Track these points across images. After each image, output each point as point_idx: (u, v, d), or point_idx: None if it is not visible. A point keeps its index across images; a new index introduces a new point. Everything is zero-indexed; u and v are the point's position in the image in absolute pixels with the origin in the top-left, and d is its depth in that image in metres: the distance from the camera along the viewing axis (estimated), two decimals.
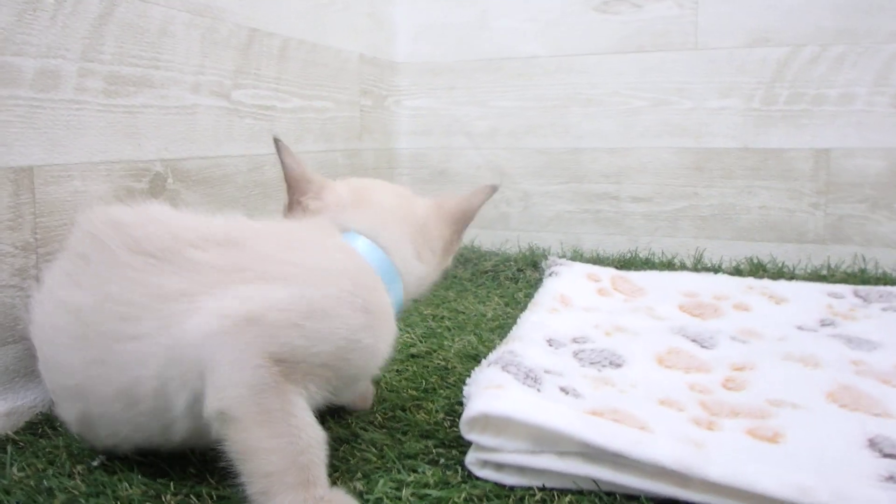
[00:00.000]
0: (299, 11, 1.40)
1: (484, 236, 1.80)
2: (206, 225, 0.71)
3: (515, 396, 0.73)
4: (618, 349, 0.99)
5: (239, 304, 0.62)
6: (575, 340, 1.04)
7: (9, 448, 0.76)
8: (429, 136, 1.84)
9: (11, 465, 0.73)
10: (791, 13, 1.51)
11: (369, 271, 0.74)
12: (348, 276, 0.69)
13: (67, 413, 0.72)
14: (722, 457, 0.66)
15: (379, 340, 0.70)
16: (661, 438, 0.69)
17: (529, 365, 0.84)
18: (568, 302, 1.24)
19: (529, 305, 1.20)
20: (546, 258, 1.46)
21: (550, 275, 1.35)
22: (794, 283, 1.30)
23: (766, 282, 1.31)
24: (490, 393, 0.74)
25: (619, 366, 0.95)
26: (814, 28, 1.50)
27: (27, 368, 0.87)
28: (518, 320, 1.12)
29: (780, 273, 1.49)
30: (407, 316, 1.31)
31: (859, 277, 1.44)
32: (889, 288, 1.25)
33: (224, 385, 0.60)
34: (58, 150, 0.89)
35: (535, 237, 1.74)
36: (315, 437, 0.63)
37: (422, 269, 0.83)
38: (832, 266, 1.50)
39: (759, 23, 1.54)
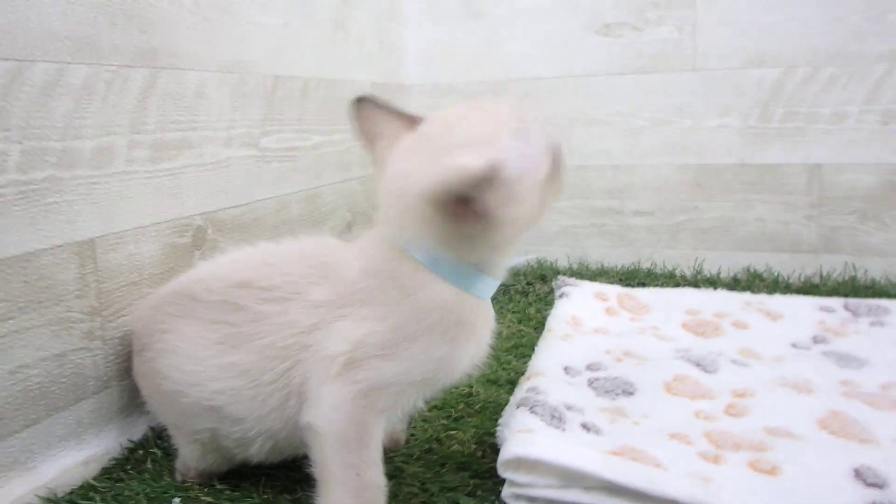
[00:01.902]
0: (318, 50, 1.47)
1: None
2: (309, 257, 0.82)
3: (544, 441, 0.83)
4: (629, 377, 1.08)
5: (340, 345, 0.74)
6: (589, 367, 1.13)
7: (96, 497, 0.85)
8: None
9: None
10: (785, 36, 1.58)
11: (436, 292, 0.74)
12: (415, 306, 0.74)
13: (257, 452, 0.83)
14: (728, 491, 0.76)
15: (459, 349, 0.75)
16: (674, 476, 0.78)
17: (553, 403, 0.93)
18: (579, 324, 1.33)
19: (544, 333, 1.28)
20: (556, 277, 1.55)
21: (560, 296, 1.44)
22: (788, 298, 1.39)
23: (762, 297, 1.40)
24: (522, 437, 0.83)
25: (630, 394, 1.04)
26: (807, 50, 1.58)
27: (98, 420, 0.96)
28: (535, 349, 1.21)
29: (775, 282, 1.58)
30: None
31: (850, 285, 1.54)
32: (877, 301, 1.34)
33: (319, 406, 0.73)
34: (113, 220, 0.97)
35: (542, 251, 1.83)
36: (377, 480, 0.74)
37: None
38: (824, 275, 1.59)
39: (754, 45, 1.61)
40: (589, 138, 1.76)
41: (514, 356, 1.30)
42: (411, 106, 1.93)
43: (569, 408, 0.95)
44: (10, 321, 0.83)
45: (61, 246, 0.89)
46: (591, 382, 1.07)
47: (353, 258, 0.79)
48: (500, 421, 0.95)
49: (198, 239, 1.12)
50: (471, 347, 0.77)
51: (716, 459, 0.85)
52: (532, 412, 0.90)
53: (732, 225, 1.69)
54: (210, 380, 0.81)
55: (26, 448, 0.86)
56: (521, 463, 0.82)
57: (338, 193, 1.57)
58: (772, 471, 0.81)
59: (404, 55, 1.90)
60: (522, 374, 1.16)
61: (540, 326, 1.39)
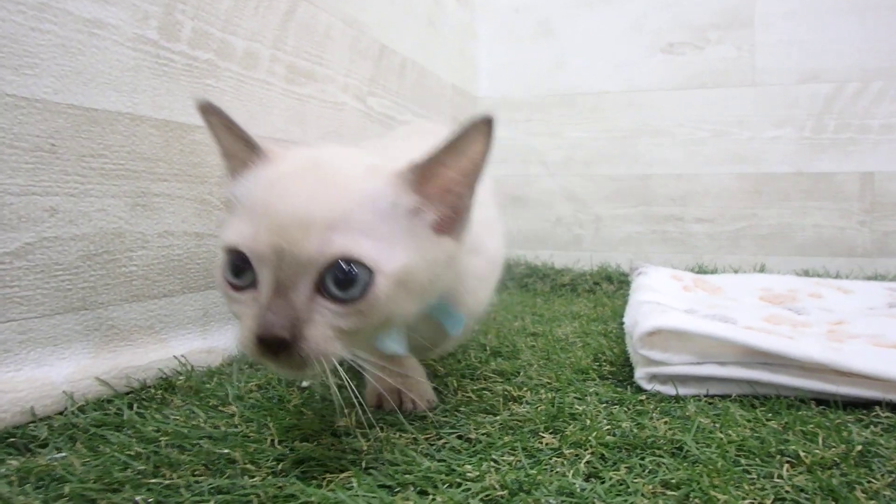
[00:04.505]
0: (415, 36, 1.59)
1: (557, 256, 1.93)
2: None
3: (680, 317, 0.85)
4: (727, 313, 1.10)
5: None
6: (686, 312, 1.15)
7: (230, 377, 0.85)
8: (506, 164, 2.00)
9: (237, 383, 0.83)
10: (837, 54, 1.71)
11: None
12: None
13: None
14: (859, 355, 0.78)
15: None
16: (807, 343, 0.80)
17: (676, 306, 0.95)
18: (659, 292, 1.35)
19: (630, 295, 1.30)
20: (631, 269, 1.59)
21: (639, 274, 1.47)
22: (854, 281, 1.43)
23: (830, 280, 1.43)
24: (660, 314, 0.86)
25: (734, 323, 1.05)
26: (856, 67, 1.70)
27: (222, 316, 0.98)
28: (628, 302, 1.22)
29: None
30: (505, 313, 1.41)
31: None
32: None
33: None
34: (256, 123, 1.02)
35: (606, 256, 1.87)
36: None
37: None
38: (880, 276, 1.63)
39: (808, 63, 1.73)
40: (652, 148, 1.85)
41: (598, 322, 1.31)
42: None
43: (689, 312, 0.97)
44: (165, 183, 0.86)
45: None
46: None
47: None
48: (626, 311, 0.97)
49: None
50: None
51: (840, 340, 0.87)
52: (658, 305, 0.92)
53: (790, 231, 1.75)
54: None
55: (160, 317, 0.87)
56: (654, 342, 0.84)
57: None
58: (894, 346, 0.83)
59: (477, 68, 2.02)
60: (606, 334, 1.18)
61: (614, 311, 1.42)
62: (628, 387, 0.86)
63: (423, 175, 0.58)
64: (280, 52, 1.08)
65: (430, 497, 0.52)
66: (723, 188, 1.80)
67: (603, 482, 0.55)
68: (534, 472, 0.57)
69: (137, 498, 0.52)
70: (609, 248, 1.88)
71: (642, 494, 0.53)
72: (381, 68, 1.41)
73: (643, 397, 0.81)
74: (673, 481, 0.55)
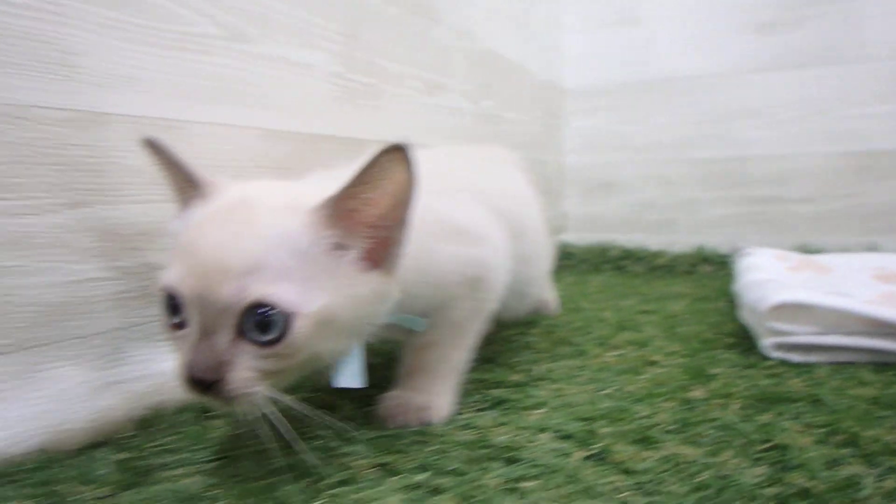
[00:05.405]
0: (513, 37, 1.70)
1: (651, 239, 1.99)
2: None
3: (807, 292, 0.94)
4: (841, 289, 1.16)
5: None
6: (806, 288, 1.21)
7: None
8: (594, 151, 2.06)
9: None
10: None
11: None
12: None
13: None
14: None
15: None
16: None
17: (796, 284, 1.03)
18: (773, 271, 1.41)
19: (741, 275, 1.36)
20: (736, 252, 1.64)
21: (745, 255, 1.52)
22: None
23: None
24: (784, 289, 0.94)
25: (850, 297, 1.12)
26: None
27: None
28: (739, 282, 1.29)
29: None
30: (611, 293, 1.51)
31: None
32: None
33: None
34: (403, 132, 1.17)
35: (700, 239, 1.91)
36: None
37: None
38: None
39: None
40: (748, 129, 1.88)
41: (707, 301, 1.38)
42: (570, 107, 2.12)
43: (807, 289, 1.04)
44: None
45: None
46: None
47: None
48: (744, 292, 1.05)
49: None
50: None
51: None
52: (780, 282, 1.01)
53: None
54: None
55: None
56: (780, 314, 0.93)
57: None
58: None
59: (563, 58, 2.07)
60: (717, 311, 1.26)
61: (717, 291, 1.48)
62: (754, 355, 0.94)
63: (339, 210, 0.57)
64: (418, 70, 1.22)
65: (618, 427, 0.64)
66: (825, 167, 1.81)
67: (754, 423, 0.66)
68: (692, 414, 0.68)
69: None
70: (703, 230, 1.93)
71: (793, 431, 0.63)
72: (487, 74, 1.54)
73: (772, 363, 0.89)
74: (818, 422, 0.65)
